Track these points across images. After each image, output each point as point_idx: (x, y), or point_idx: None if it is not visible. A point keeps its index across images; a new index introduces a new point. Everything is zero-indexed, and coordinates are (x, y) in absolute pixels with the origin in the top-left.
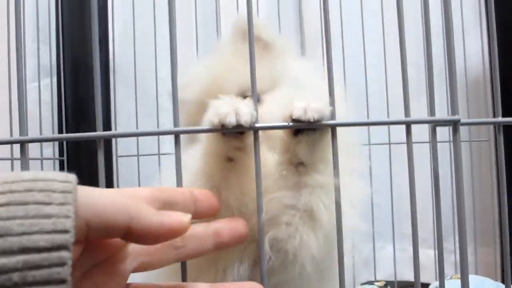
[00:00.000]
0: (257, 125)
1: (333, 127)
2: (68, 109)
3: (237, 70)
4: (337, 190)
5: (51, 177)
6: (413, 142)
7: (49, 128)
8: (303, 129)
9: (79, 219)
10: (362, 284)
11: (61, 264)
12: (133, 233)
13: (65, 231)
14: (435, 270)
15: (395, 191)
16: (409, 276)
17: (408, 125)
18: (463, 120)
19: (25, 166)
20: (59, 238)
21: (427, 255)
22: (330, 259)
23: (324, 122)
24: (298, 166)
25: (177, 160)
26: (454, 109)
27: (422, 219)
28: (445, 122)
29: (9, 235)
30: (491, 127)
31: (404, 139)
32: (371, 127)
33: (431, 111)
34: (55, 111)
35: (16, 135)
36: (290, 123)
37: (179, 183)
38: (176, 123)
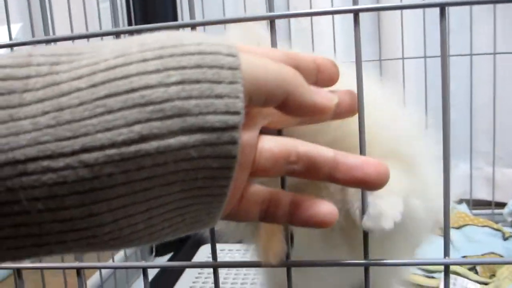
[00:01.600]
0: None
1: (443, 6)
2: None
3: None
4: None
5: (216, 50)
6: (497, 53)
7: None
8: None
9: (245, 95)
10: None
11: (233, 142)
12: (285, 106)
13: (237, 113)
14: None
15: (473, 108)
16: (483, 195)
17: None
18: None
19: None
20: (231, 120)
21: (503, 173)
22: None
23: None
24: None
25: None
26: None
27: (501, 136)
28: None
29: (188, 115)
30: None
31: (488, 50)
32: (451, 36)
33: None
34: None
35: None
36: None
37: None
38: (271, 8)
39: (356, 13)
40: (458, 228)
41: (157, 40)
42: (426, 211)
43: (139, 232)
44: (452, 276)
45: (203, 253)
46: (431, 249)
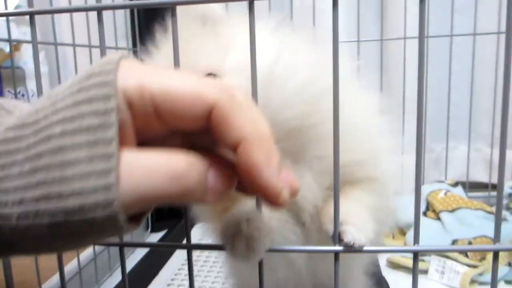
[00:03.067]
0: None
1: None
2: None
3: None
4: None
5: (94, 126)
6: (501, 32)
7: (122, 19)
8: None
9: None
10: (431, 183)
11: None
12: None
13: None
14: None
15: (474, 89)
16: (481, 177)
17: None
18: None
19: (102, 35)
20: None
21: None
22: None
23: None
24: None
25: None
26: None
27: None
28: None
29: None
30: None
31: (492, 29)
32: (455, 16)
33: None
34: None
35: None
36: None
37: None
38: None
39: None
40: (451, 211)
41: (50, 124)
42: (386, 210)
43: None
44: (441, 259)
45: (195, 233)
46: (427, 231)
